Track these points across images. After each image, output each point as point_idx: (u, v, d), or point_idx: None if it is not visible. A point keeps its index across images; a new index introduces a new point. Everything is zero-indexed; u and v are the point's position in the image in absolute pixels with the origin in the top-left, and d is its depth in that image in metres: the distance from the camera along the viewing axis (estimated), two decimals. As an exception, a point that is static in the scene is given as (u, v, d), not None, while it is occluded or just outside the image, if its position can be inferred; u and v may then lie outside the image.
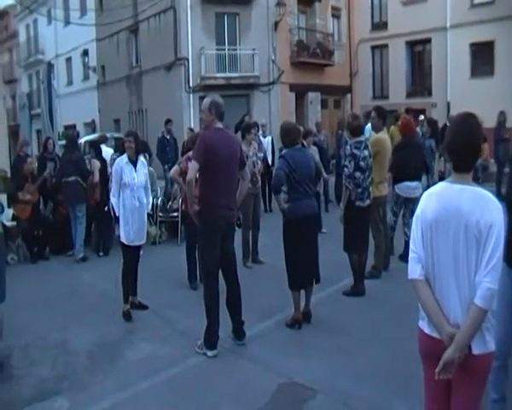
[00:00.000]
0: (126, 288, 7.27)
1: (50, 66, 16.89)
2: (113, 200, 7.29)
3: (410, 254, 3.06)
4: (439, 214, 2.93)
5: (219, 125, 5.98)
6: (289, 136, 6.74)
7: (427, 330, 3.04)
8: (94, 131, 29.69)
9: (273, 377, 5.34)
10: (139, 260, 7.54)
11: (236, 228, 10.98)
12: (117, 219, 7.23)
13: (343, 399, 4.89)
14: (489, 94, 22.23)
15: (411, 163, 8.85)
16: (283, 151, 6.79)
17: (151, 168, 7.41)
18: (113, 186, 7.33)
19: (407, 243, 9.15)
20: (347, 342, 6.13)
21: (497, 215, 2.83)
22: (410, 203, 8.98)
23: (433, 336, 2.99)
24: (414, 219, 3.10)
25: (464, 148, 2.95)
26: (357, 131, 7.55)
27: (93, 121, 32.65)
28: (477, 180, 13.50)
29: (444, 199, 2.95)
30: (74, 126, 35.06)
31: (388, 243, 8.91)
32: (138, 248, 7.45)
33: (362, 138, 7.55)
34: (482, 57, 24.66)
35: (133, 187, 7.22)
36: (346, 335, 6.33)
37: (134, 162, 7.30)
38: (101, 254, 10.89)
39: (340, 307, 7.26)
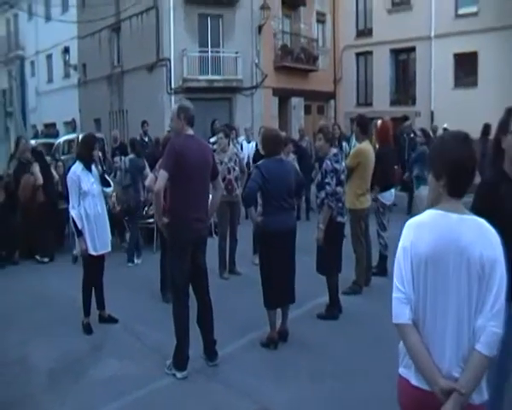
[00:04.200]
0: (87, 301, 6.97)
1: (23, 62, 16.42)
2: (73, 212, 6.79)
3: (396, 294, 2.65)
4: (435, 248, 2.56)
5: (190, 131, 5.65)
6: (269, 145, 6.41)
7: (413, 381, 2.66)
8: (74, 130, 29.15)
9: (246, 403, 5.04)
10: (103, 270, 7.20)
11: (214, 236, 10.86)
12: (79, 232, 6.80)
13: (319, 429, 4.60)
14: (472, 104, 22.19)
15: (393, 170, 8.74)
16: (260, 162, 6.47)
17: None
18: (72, 197, 6.85)
19: (383, 257, 8.95)
20: (325, 364, 5.83)
21: (499, 249, 2.54)
22: (389, 211, 9.00)
23: (421, 389, 2.63)
24: (399, 251, 2.69)
25: (471, 169, 2.64)
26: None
27: (73, 120, 32.08)
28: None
29: (440, 230, 2.59)
30: (54, 125, 34.55)
31: (370, 257, 8.63)
32: (103, 257, 7.11)
33: (336, 150, 7.23)
34: (466, 68, 24.66)
35: (93, 193, 6.87)
36: (324, 356, 6.03)
37: (89, 168, 6.95)
38: (45, 259, 10.52)
39: (318, 325, 6.95)
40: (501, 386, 3.90)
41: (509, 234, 2.85)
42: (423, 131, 12.30)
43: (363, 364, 5.80)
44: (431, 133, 15.40)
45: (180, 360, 5.58)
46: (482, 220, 2.60)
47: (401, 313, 2.62)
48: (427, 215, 2.68)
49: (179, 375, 5.54)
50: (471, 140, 2.72)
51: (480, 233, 2.55)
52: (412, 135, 15.44)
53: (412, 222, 2.70)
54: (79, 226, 6.75)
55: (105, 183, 7.06)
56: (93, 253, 6.82)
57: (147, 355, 6.17)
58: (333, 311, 7.21)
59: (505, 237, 2.63)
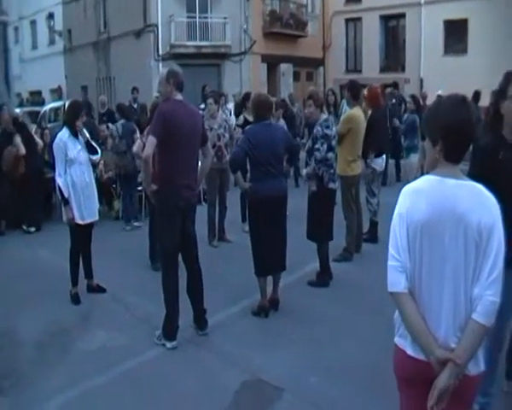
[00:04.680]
0: (75, 270, 6.87)
1: (6, 28, 15.98)
2: (59, 180, 6.62)
3: (391, 262, 2.55)
4: (431, 215, 2.46)
5: (179, 96, 5.48)
6: (257, 110, 6.24)
7: (409, 350, 2.58)
8: (60, 97, 28.79)
9: (237, 373, 4.95)
10: (91, 239, 7.08)
11: (203, 204, 10.73)
12: (66, 200, 6.65)
13: (312, 399, 4.53)
14: (462, 71, 22.07)
15: (385, 136, 8.65)
16: (247, 127, 6.33)
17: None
18: (58, 165, 6.67)
19: (373, 224, 8.89)
20: (317, 332, 5.77)
21: (497, 216, 2.44)
22: (379, 177, 8.98)
23: (417, 359, 2.55)
24: (394, 218, 2.59)
25: (467, 133, 2.53)
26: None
27: (59, 88, 31.71)
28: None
29: (436, 197, 2.48)
30: (40, 93, 34.10)
31: (361, 224, 8.56)
32: (91, 225, 6.98)
33: (326, 116, 7.09)
34: (456, 35, 24.53)
35: (80, 161, 6.70)
36: (316, 324, 5.97)
37: (76, 135, 6.76)
38: (32, 229, 10.38)
39: (310, 293, 6.86)
40: (495, 355, 3.87)
41: (508, 199, 2.76)
42: (413, 97, 12.14)
43: (354, 331, 5.75)
44: (420, 100, 15.28)
45: (170, 329, 5.50)
46: (480, 186, 2.50)
47: (397, 282, 2.53)
48: (424, 181, 2.58)
49: (169, 345, 5.46)
50: (469, 103, 2.62)
51: (477, 199, 2.46)
52: (394, 101, 15.28)
53: (408, 188, 2.60)
54: (65, 195, 6.59)
55: (91, 150, 6.86)
56: (80, 222, 6.69)
57: (136, 325, 6.08)
58: (323, 278, 7.14)
59: (503, 202, 2.54)
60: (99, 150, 7.07)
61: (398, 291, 2.53)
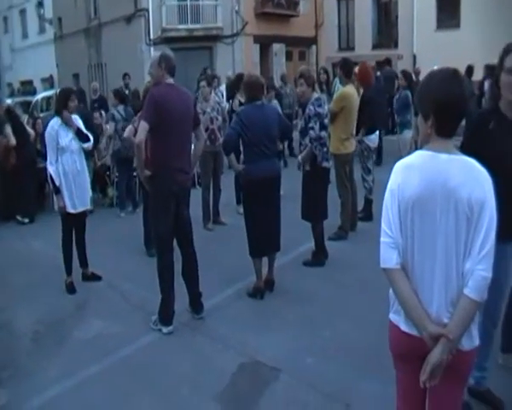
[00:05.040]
0: (68, 259, 6.83)
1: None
2: (50, 169, 6.59)
3: (383, 238, 2.55)
4: (422, 191, 2.44)
5: (170, 80, 5.43)
6: (249, 90, 6.21)
7: (403, 326, 2.58)
8: (52, 86, 28.63)
9: (233, 355, 4.96)
10: (85, 228, 7.04)
11: (197, 187, 10.70)
12: (57, 189, 6.61)
13: (308, 379, 4.53)
14: (455, 46, 21.90)
15: (380, 113, 8.68)
16: (240, 108, 6.29)
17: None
18: (49, 153, 6.64)
19: (368, 202, 8.88)
20: (312, 312, 5.77)
21: (489, 191, 2.41)
22: (373, 154, 9.04)
23: (411, 334, 2.55)
24: (386, 194, 2.58)
25: (458, 106, 2.50)
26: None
27: (51, 77, 31.51)
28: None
29: (428, 172, 2.46)
30: (31, 82, 33.91)
31: (355, 202, 8.53)
32: (83, 214, 6.94)
33: (318, 95, 7.05)
34: (448, 9, 24.28)
35: (72, 149, 6.64)
36: (311, 304, 5.96)
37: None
38: (25, 220, 10.30)
39: (305, 273, 6.86)
40: (490, 330, 3.86)
41: (499, 172, 2.73)
42: (404, 73, 12.03)
43: (351, 310, 5.75)
44: (413, 76, 15.15)
45: (166, 314, 5.49)
46: (472, 160, 2.47)
47: (389, 258, 2.53)
48: (416, 156, 2.56)
49: (165, 330, 5.46)
50: (460, 76, 2.59)
51: (469, 174, 2.43)
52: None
53: (400, 164, 2.58)
54: (57, 183, 6.56)
55: (83, 138, 6.79)
56: (71, 211, 6.65)
57: (132, 312, 6.07)
58: (319, 257, 7.13)
59: (494, 175, 2.51)
60: (91, 138, 6.99)
61: (391, 267, 2.53)
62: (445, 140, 2.52)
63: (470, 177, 2.42)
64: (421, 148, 2.62)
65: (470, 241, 2.42)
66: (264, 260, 6.31)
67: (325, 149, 6.85)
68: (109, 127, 10.79)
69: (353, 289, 6.24)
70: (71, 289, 6.74)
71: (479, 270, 2.39)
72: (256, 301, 6.14)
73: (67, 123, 6.63)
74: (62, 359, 5.15)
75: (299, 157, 6.91)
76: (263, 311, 5.91)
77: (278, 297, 6.20)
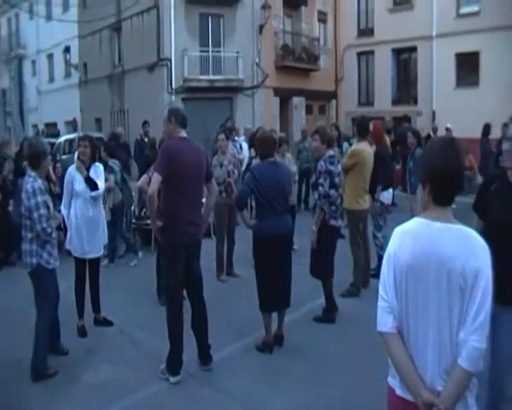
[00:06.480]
0: (80, 303, 6.94)
1: (22, 61, 16.33)
2: (63, 211, 6.83)
3: (380, 302, 2.61)
4: (416, 258, 2.49)
5: (183, 133, 5.59)
6: (262, 147, 6.36)
7: (398, 391, 2.61)
8: (75, 130, 29.15)
9: (239, 409, 4.98)
10: (99, 274, 7.15)
11: (213, 237, 10.77)
12: (65, 231, 6.79)
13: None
14: (474, 104, 22.10)
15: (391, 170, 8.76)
16: (253, 165, 6.41)
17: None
18: (64, 196, 6.92)
19: (381, 259, 8.87)
20: (320, 370, 5.77)
21: (484, 260, 2.43)
22: (387, 211, 8.98)
23: (406, 399, 2.56)
24: (384, 259, 2.65)
25: (453, 176, 2.53)
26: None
27: (74, 120, 32.07)
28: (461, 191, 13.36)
29: (422, 240, 2.51)
30: (55, 124, 34.53)
31: (368, 259, 8.55)
32: (96, 260, 7.05)
33: (333, 152, 7.17)
34: (467, 68, 24.53)
35: (85, 196, 6.79)
36: (320, 361, 5.97)
37: (87, 169, 6.86)
38: None
39: (315, 329, 6.88)
40: (495, 402, 3.80)
41: (494, 235, 2.79)
42: (413, 132, 12.19)
43: (360, 369, 5.72)
44: (431, 133, 15.29)
45: (173, 364, 5.53)
46: (468, 229, 2.52)
47: (384, 322, 2.58)
48: (412, 223, 2.62)
49: (172, 380, 5.49)
50: (456, 146, 2.60)
51: (463, 243, 2.46)
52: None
53: (399, 230, 2.64)
54: (67, 226, 6.82)
55: (91, 186, 6.81)
56: (78, 256, 6.80)
57: (141, 360, 6.11)
58: (330, 314, 7.14)
59: (490, 238, 2.57)
60: (100, 186, 7.02)
61: (386, 331, 2.58)
62: (442, 208, 2.56)
63: (464, 246, 2.44)
64: (419, 214, 2.67)
65: (465, 310, 2.43)
66: (274, 314, 6.34)
67: (333, 208, 6.93)
68: (110, 180, 10.94)
69: (363, 348, 6.20)
70: (82, 332, 6.81)
71: (472, 340, 2.40)
72: (264, 355, 6.16)
73: (78, 170, 6.80)
74: (70, 401, 5.21)
75: (314, 226, 6.92)
76: (271, 366, 5.92)
77: (287, 353, 6.21)
